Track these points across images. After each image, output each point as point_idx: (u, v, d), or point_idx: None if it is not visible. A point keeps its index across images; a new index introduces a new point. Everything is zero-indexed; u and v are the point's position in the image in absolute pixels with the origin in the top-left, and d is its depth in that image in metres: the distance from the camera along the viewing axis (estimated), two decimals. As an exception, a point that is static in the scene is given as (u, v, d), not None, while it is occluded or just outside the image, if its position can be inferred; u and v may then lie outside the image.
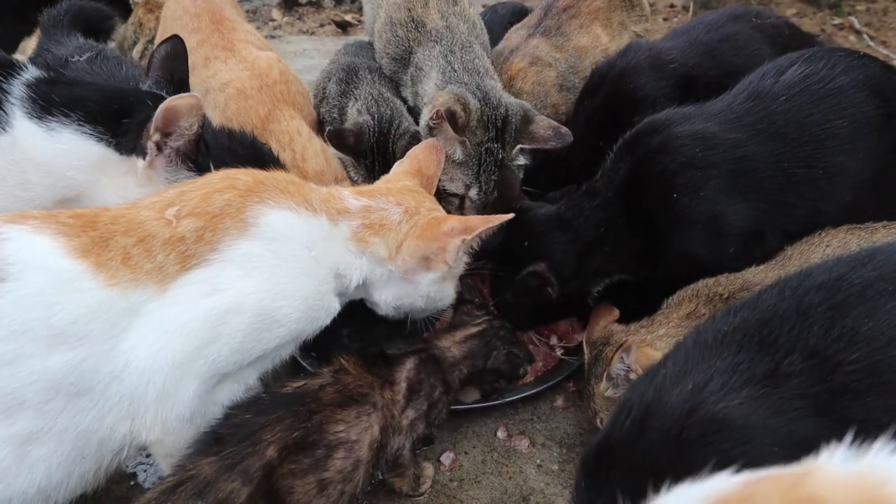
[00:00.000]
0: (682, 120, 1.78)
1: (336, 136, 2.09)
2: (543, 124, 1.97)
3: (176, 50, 1.70)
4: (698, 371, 1.10)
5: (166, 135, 1.53)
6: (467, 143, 1.94)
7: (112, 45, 2.96)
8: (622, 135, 1.86)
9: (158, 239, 1.30)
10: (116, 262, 1.26)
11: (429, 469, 1.67)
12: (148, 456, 1.69)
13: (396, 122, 2.13)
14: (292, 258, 1.40)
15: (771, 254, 1.74)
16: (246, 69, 2.37)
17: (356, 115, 2.18)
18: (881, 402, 1.03)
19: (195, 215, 1.33)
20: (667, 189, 1.70)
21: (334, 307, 1.50)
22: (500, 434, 1.79)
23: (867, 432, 0.99)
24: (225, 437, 1.28)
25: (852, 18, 4.48)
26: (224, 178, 1.42)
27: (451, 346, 1.67)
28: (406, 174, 1.68)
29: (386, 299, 1.57)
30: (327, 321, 1.50)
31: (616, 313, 1.75)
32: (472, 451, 1.75)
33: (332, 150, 2.17)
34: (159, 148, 1.54)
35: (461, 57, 2.04)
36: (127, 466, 1.67)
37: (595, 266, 1.83)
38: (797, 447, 0.97)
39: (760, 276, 1.67)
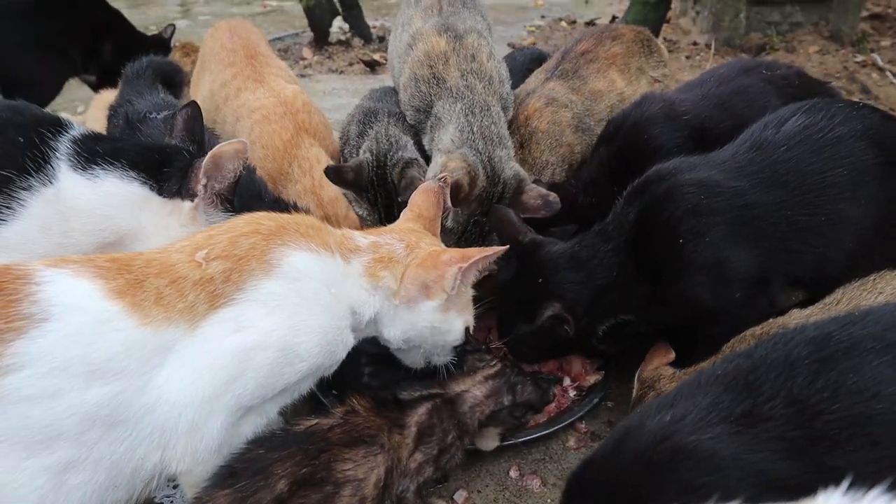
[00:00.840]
0: (688, 169, 1.84)
1: (335, 172, 2.19)
2: (533, 194, 2.04)
3: (194, 113, 1.84)
4: (682, 405, 1.17)
5: (209, 178, 1.67)
6: (459, 213, 2.02)
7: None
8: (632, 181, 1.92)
9: (189, 280, 1.39)
10: (150, 302, 1.35)
11: (442, 507, 1.73)
12: (175, 487, 1.77)
13: (392, 152, 2.21)
14: (313, 296, 1.48)
15: (776, 300, 1.78)
16: (272, 97, 2.54)
17: (362, 153, 2.29)
18: (862, 454, 1.07)
19: (223, 258, 1.42)
20: (673, 235, 1.75)
21: (350, 342, 1.58)
22: (513, 473, 1.84)
23: (846, 481, 1.04)
24: (239, 470, 1.35)
25: (875, 56, 4.51)
26: (249, 223, 1.52)
27: (471, 387, 1.69)
28: (408, 220, 1.78)
29: (395, 333, 1.64)
30: (343, 356, 1.58)
31: (672, 356, 1.79)
32: (485, 489, 1.80)
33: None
34: (205, 190, 1.69)
35: (481, 120, 2.11)
36: (154, 497, 1.75)
37: (604, 307, 1.86)
38: (768, 485, 1.04)
39: (804, 318, 1.66)
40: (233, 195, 1.74)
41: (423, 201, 1.82)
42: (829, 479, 1.06)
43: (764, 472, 1.06)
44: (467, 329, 1.71)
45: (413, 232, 1.70)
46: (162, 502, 1.78)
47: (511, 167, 2.08)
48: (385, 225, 2.10)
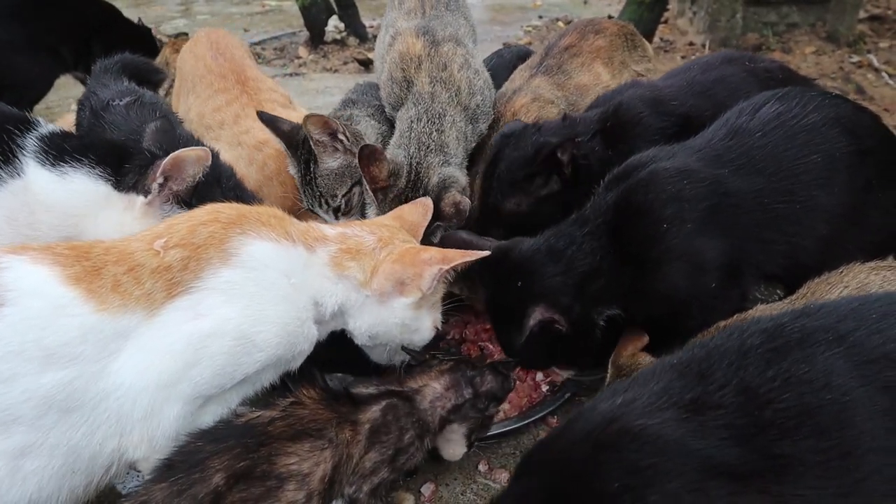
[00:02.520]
0: (667, 156, 1.82)
1: (270, 120, 2.27)
2: (447, 202, 2.00)
3: (164, 127, 1.88)
4: (634, 390, 1.17)
5: (168, 178, 1.68)
6: (377, 204, 2.07)
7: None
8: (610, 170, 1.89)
9: (147, 268, 1.39)
10: (107, 289, 1.35)
11: (409, 500, 1.70)
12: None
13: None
14: (272, 286, 1.47)
15: (748, 292, 1.76)
16: None
17: None
18: (810, 443, 1.06)
19: (181, 246, 1.42)
20: (655, 219, 1.71)
21: (313, 334, 1.55)
22: (482, 467, 1.81)
23: (793, 468, 1.03)
24: (175, 463, 1.32)
25: (871, 56, 4.48)
26: (209, 212, 1.51)
27: (429, 381, 1.62)
28: (387, 217, 1.78)
29: (361, 326, 1.62)
30: (307, 348, 1.56)
31: (645, 339, 1.75)
32: (453, 482, 1.78)
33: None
34: (161, 188, 1.70)
35: (423, 127, 2.15)
36: (123, 486, 1.74)
37: (594, 293, 1.77)
38: (713, 470, 1.04)
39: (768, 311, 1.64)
40: (190, 197, 1.74)
41: (409, 208, 1.82)
42: (777, 466, 1.05)
43: (710, 457, 1.04)
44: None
45: (386, 227, 1.68)
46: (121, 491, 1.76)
47: (440, 174, 2.07)
48: (309, 190, 2.21)
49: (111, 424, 1.35)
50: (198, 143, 2.10)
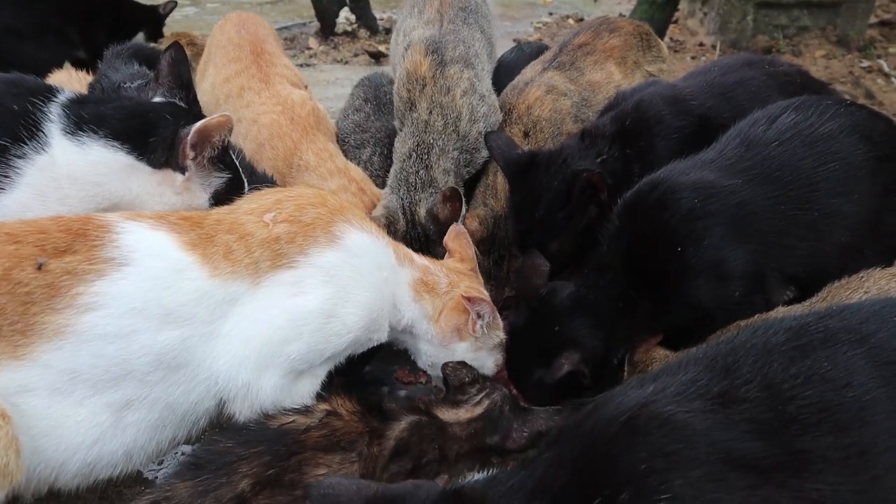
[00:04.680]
0: (678, 173, 1.82)
1: None
2: (445, 214, 2.12)
3: (179, 56, 1.85)
4: (663, 380, 1.20)
5: (198, 150, 1.69)
6: None
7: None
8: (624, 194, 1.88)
9: (257, 238, 1.49)
10: (219, 256, 1.44)
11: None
12: (160, 463, 1.78)
13: None
14: (368, 273, 1.58)
15: (772, 297, 1.78)
16: (278, 104, 2.52)
17: None
18: (831, 440, 1.09)
19: (289, 222, 1.52)
20: (670, 244, 1.72)
21: (384, 333, 1.67)
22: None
23: (812, 464, 1.06)
24: (203, 463, 1.33)
25: (881, 61, 4.50)
26: (316, 195, 1.63)
27: (455, 423, 1.57)
28: (454, 261, 1.88)
29: (426, 354, 1.77)
30: (374, 340, 1.66)
31: (659, 338, 1.79)
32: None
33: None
34: (194, 162, 1.71)
35: (412, 165, 2.24)
36: (152, 473, 1.76)
37: (619, 338, 1.79)
38: (736, 462, 1.06)
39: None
40: (224, 155, 1.75)
41: (458, 245, 1.91)
42: (797, 461, 1.08)
43: (733, 449, 1.07)
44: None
45: (458, 272, 1.81)
46: (148, 476, 1.79)
47: (425, 205, 2.17)
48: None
49: (209, 385, 1.43)
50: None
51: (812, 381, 1.12)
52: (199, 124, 1.65)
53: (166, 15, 3.98)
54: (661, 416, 1.10)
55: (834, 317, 1.23)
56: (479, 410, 1.60)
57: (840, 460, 1.08)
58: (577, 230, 2.06)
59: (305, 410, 1.46)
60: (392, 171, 2.31)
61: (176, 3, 4.05)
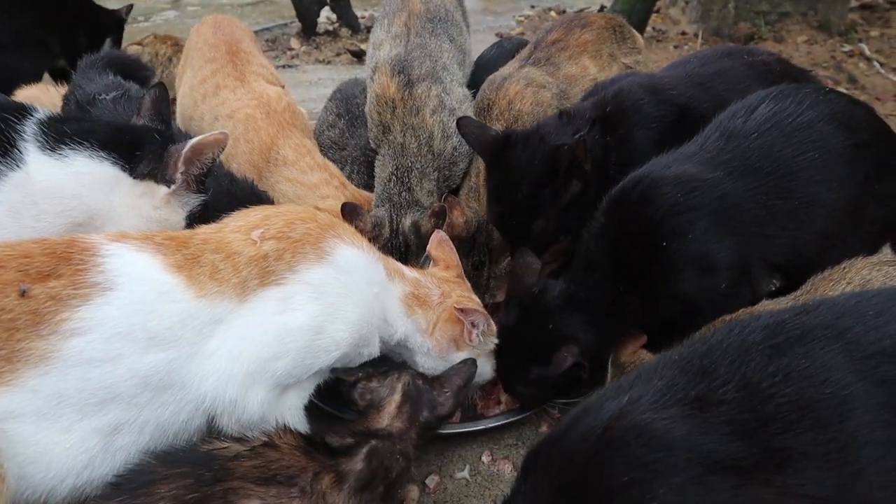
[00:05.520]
0: (660, 168, 1.82)
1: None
2: (429, 225, 2.14)
3: (161, 95, 1.87)
4: (639, 388, 1.19)
5: (188, 166, 1.71)
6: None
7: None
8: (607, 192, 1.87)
9: (244, 256, 1.48)
10: (206, 276, 1.43)
11: (413, 492, 1.73)
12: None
13: None
14: (358, 290, 1.57)
15: (757, 288, 1.78)
16: (254, 99, 2.52)
17: None
18: (811, 436, 1.09)
19: (277, 238, 1.51)
20: (655, 239, 1.73)
21: (376, 346, 1.66)
22: (485, 458, 1.84)
23: (794, 460, 1.07)
24: (123, 483, 1.29)
25: (862, 45, 4.51)
26: (305, 212, 1.62)
27: (392, 421, 1.57)
28: (440, 269, 1.87)
29: (425, 364, 1.74)
30: (365, 355, 1.65)
31: (643, 338, 1.80)
32: (457, 474, 1.81)
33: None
34: (182, 177, 1.71)
35: (394, 187, 2.27)
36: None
37: (610, 334, 1.82)
38: (719, 464, 1.07)
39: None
40: (206, 177, 1.76)
41: (442, 253, 1.90)
42: (779, 459, 1.08)
43: (714, 452, 1.07)
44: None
45: (447, 282, 1.80)
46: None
47: (409, 217, 2.21)
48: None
49: (199, 404, 1.42)
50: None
51: (790, 379, 1.12)
52: (196, 139, 1.68)
53: (126, 15, 3.99)
54: (638, 425, 1.10)
55: (810, 313, 1.23)
56: (398, 396, 1.61)
57: (821, 456, 1.08)
58: (561, 207, 2.04)
59: (241, 439, 1.42)
60: (375, 192, 2.32)
61: (132, 5, 4.05)
